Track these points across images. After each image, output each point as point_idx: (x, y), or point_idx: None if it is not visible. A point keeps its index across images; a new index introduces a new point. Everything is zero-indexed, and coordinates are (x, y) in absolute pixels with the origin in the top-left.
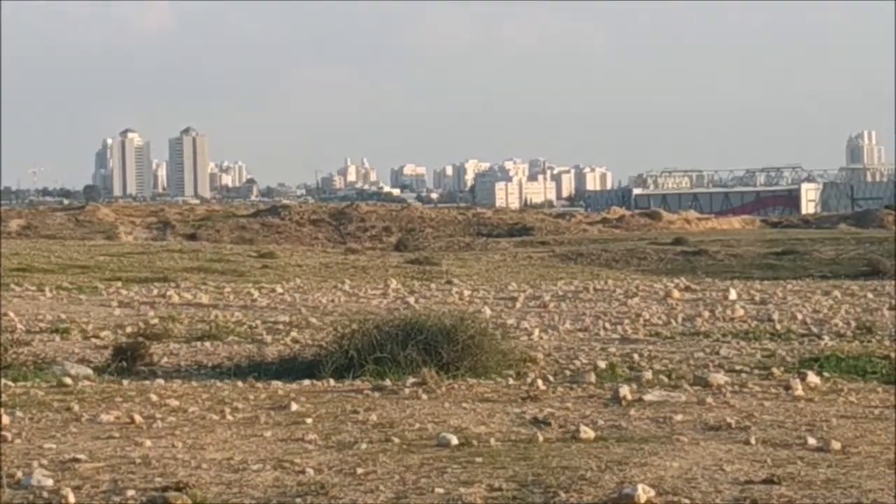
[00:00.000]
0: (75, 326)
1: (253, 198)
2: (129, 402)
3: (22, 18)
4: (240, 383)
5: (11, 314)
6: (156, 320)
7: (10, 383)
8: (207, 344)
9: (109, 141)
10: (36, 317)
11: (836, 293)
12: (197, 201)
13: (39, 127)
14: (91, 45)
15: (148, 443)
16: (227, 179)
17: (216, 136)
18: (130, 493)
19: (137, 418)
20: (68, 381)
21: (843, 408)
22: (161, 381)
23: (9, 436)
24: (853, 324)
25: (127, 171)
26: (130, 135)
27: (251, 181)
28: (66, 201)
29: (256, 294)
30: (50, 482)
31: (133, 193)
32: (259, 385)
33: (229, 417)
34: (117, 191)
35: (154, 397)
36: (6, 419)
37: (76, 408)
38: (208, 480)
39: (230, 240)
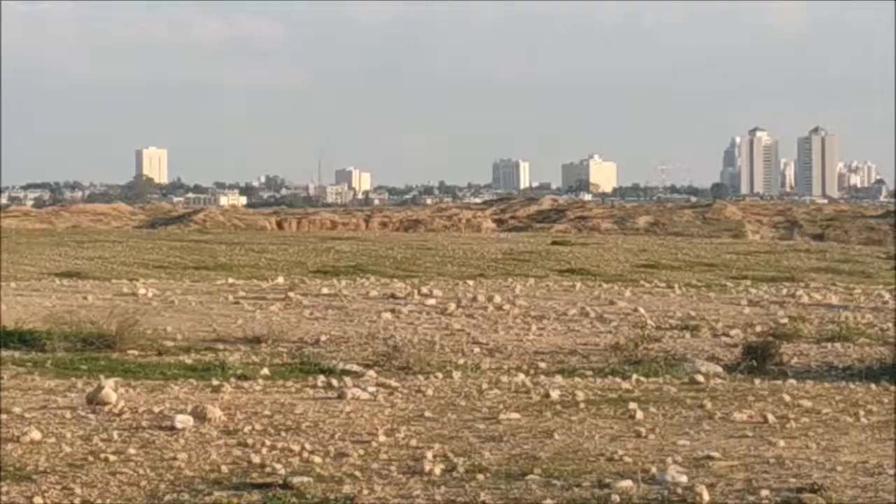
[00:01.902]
0: (704, 324)
1: (882, 198)
2: (761, 402)
3: None
4: (873, 386)
5: (641, 310)
6: (785, 320)
7: (643, 379)
8: (837, 345)
9: (738, 139)
10: (665, 313)
11: None
12: (825, 201)
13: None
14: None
15: (781, 443)
16: (855, 179)
17: (846, 136)
18: (764, 493)
19: (770, 418)
20: (700, 378)
21: None
22: (792, 382)
23: (643, 431)
24: None
25: (755, 169)
26: (759, 133)
27: (880, 182)
28: (693, 199)
29: (887, 296)
30: (684, 479)
31: (760, 192)
32: (893, 388)
33: (863, 420)
34: (744, 189)
35: (786, 397)
36: (640, 414)
37: (709, 405)
38: (843, 483)
39: (858, 241)
